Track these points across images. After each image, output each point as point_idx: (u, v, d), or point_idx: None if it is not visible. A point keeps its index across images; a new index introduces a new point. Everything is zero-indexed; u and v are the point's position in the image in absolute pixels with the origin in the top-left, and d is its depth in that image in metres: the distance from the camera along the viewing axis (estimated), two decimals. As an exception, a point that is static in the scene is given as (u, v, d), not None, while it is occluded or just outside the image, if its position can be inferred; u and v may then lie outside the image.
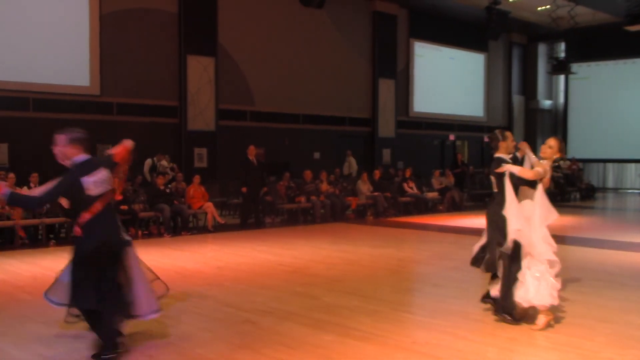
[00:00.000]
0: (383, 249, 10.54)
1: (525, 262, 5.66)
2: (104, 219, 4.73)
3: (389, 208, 16.08)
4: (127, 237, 4.98)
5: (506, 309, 5.74)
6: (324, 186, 15.19)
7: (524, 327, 5.62)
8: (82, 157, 4.79)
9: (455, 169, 20.14)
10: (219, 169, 16.51)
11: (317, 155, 19.18)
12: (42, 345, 5.20)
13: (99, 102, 15.00)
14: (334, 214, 14.91)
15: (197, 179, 13.26)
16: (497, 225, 5.77)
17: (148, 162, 14.81)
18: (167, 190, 12.70)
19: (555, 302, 5.62)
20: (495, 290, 5.89)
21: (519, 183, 5.71)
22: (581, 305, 6.44)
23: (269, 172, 16.06)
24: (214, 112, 16.74)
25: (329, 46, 19.54)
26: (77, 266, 4.74)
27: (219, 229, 12.94)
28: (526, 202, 5.72)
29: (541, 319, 5.59)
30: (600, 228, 13.75)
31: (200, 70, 16.40)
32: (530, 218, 5.64)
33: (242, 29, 17.40)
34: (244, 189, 13.61)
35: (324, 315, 6.07)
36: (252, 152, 13.89)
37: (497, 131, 6.10)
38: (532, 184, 5.70)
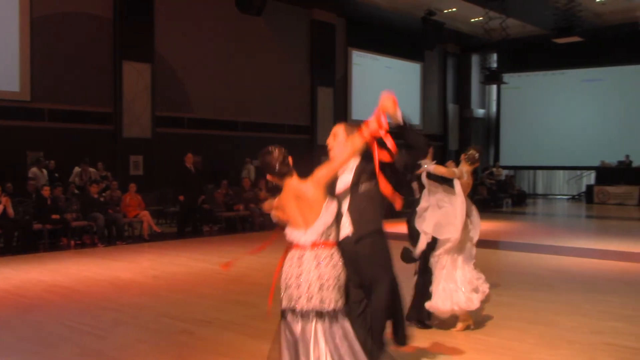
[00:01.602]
0: (322, 256, 10.56)
1: (441, 267, 5.72)
2: None
3: (328, 215, 16.14)
4: None
5: (418, 316, 5.84)
6: (263, 194, 15.13)
7: (460, 332, 5.74)
8: None
9: (392, 176, 20.43)
10: (156, 176, 16.21)
11: (256, 162, 19.08)
12: None
13: (29, 108, 14.48)
14: (272, 221, 14.83)
15: (132, 187, 13.00)
16: (413, 233, 5.94)
17: (76, 170, 14.43)
18: (101, 199, 12.40)
19: (473, 306, 5.67)
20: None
21: (436, 180, 5.77)
22: (513, 308, 6.63)
23: (207, 180, 15.90)
24: (150, 119, 16.44)
25: (268, 54, 19.53)
26: None
27: (155, 238, 12.70)
28: (443, 198, 5.79)
29: (459, 324, 5.73)
30: (531, 233, 14.20)
31: (136, 77, 16.09)
32: (449, 216, 5.71)
33: (179, 35, 17.19)
34: (181, 197, 13.42)
35: (263, 324, 6.03)
36: (189, 159, 13.73)
37: None
38: (448, 183, 5.74)
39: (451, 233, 5.62)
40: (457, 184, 5.69)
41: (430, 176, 5.76)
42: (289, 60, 20.25)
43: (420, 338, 5.60)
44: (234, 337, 5.59)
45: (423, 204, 5.88)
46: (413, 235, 5.98)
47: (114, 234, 12.27)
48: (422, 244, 5.78)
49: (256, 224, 14.59)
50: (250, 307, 6.77)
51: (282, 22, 19.94)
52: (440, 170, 5.70)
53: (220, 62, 18.20)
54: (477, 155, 5.93)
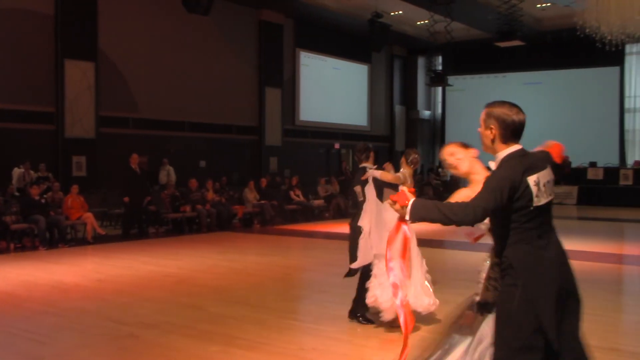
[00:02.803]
0: (270, 257, 10.56)
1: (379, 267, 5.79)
2: None
3: (276, 216, 16.14)
4: None
5: (359, 311, 5.99)
6: (210, 195, 15.01)
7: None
8: None
9: (340, 177, 20.56)
10: (100, 178, 15.86)
11: (203, 163, 18.90)
12: None
13: (-35, 107, 14.00)
14: (220, 222, 14.75)
15: (75, 188, 12.68)
16: (353, 236, 6.05)
17: (16, 171, 14.01)
18: (43, 201, 12.05)
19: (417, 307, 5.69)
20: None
21: (383, 186, 5.94)
22: (451, 305, 6.75)
23: (153, 181, 15.67)
24: (94, 118, 16.08)
25: (215, 54, 19.37)
26: None
27: (99, 240, 12.43)
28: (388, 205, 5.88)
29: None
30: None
31: (79, 75, 15.71)
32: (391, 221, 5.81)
33: (124, 34, 16.87)
34: (126, 199, 13.19)
35: (209, 326, 5.99)
36: (135, 160, 13.49)
37: (363, 144, 6.39)
38: (394, 188, 5.86)
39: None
40: (401, 189, 5.74)
41: (377, 182, 5.91)
42: (236, 60, 20.13)
43: (362, 336, 5.65)
44: (180, 340, 5.53)
45: (368, 206, 5.96)
46: (355, 236, 6.03)
47: (55, 237, 11.94)
48: (362, 247, 5.85)
49: (203, 225, 14.44)
50: (197, 309, 6.70)
51: (230, 22, 19.81)
52: (387, 177, 5.87)
53: (167, 61, 17.95)
54: (417, 157, 6.10)
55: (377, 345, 5.41)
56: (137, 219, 13.53)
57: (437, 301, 5.82)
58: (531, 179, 2.91)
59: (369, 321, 5.93)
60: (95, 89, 16.05)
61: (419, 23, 23.50)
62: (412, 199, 3.16)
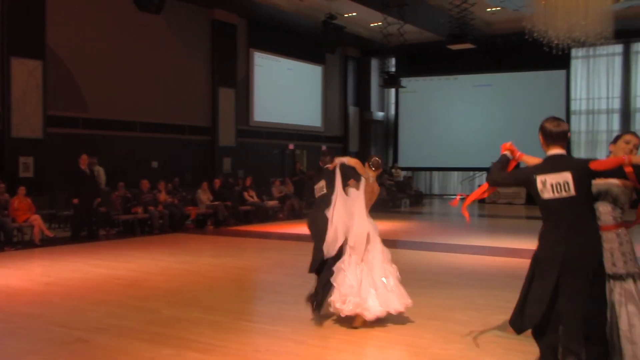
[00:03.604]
0: (224, 259, 10.48)
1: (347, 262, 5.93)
2: None
3: (230, 217, 16.03)
4: None
5: (318, 307, 6.10)
6: (162, 196, 14.81)
7: (362, 329, 5.85)
8: None
9: (294, 178, 20.57)
10: (48, 179, 15.46)
11: (155, 164, 18.63)
12: None
13: None
14: (172, 224, 14.57)
15: (22, 190, 12.35)
16: (319, 228, 6.17)
17: None
18: (-12, 203, 11.69)
19: (369, 312, 5.78)
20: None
21: (349, 175, 6.13)
22: (412, 305, 6.84)
23: (103, 182, 15.36)
24: (41, 118, 15.65)
25: (167, 53, 19.11)
26: None
27: (47, 243, 12.13)
28: (353, 192, 6.12)
29: (358, 320, 5.87)
30: (427, 232, 14.71)
31: (25, 74, 15.27)
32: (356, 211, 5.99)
33: (73, 32, 16.49)
34: (75, 200, 12.91)
35: (162, 329, 5.91)
36: (84, 161, 13.23)
37: (327, 149, 6.62)
38: (358, 179, 6.08)
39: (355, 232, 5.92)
40: (362, 182, 6.00)
41: (344, 170, 6.12)
42: (189, 60, 19.91)
43: (317, 337, 5.67)
44: (131, 344, 5.44)
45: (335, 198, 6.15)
46: (320, 228, 6.19)
47: (2, 240, 11.61)
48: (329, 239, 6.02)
49: (155, 227, 14.24)
50: (149, 312, 6.61)
51: (183, 21, 19.59)
52: (352, 162, 6.08)
53: (118, 60, 17.63)
54: (380, 161, 6.19)
55: (333, 346, 5.43)
56: (86, 221, 13.26)
57: (410, 302, 5.94)
58: (539, 178, 3.85)
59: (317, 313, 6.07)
60: (43, 88, 15.63)
61: (372, 25, 23.69)
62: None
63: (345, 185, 6.22)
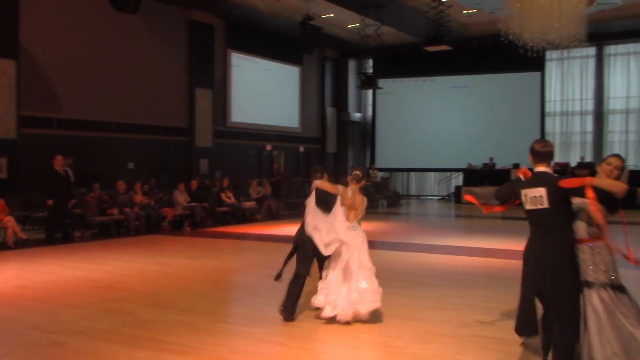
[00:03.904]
0: (200, 260, 10.43)
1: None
2: None
3: (207, 218, 15.96)
4: None
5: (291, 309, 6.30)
6: (139, 197, 14.70)
7: (339, 330, 5.88)
8: None
9: (271, 179, 20.53)
10: (21, 180, 15.24)
11: (131, 165, 18.47)
12: None
13: None
14: (149, 225, 14.47)
15: (-5, 191, 12.18)
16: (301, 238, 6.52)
17: None
18: (-41, 204, 11.51)
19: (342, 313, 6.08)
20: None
21: (324, 196, 6.41)
22: (388, 305, 6.87)
23: (78, 184, 15.18)
24: (15, 118, 15.41)
25: (144, 53, 18.97)
26: None
27: (21, 245, 11.96)
28: (336, 208, 6.38)
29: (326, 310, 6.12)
30: (404, 233, 14.79)
31: (-2, 73, 15.07)
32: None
33: (48, 31, 16.28)
34: (50, 202, 12.75)
35: (138, 331, 5.87)
36: (59, 162, 13.07)
37: (319, 166, 6.89)
38: (333, 198, 6.39)
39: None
40: (338, 199, 6.31)
41: (318, 191, 6.39)
42: (166, 60, 19.78)
43: (294, 338, 5.68)
44: (106, 346, 5.39)
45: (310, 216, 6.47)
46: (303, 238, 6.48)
47: (-27, 242, 11.43)
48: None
49: (131, 228, 14.13)
50: (124, 314, 6.56)
51: (159, 22, 19.46)
52: (324, 185, 6.36)
53: (94, 60, 17.45)
54: (359, 174, 6.47)
55: (310, 347, 5.44)
56: (61, 223, 13.11)
57: (377, 305, 6.14)
58: (523, 191, 4.49)
59: (290, 319, 6.22)
60: (17, 88, 15.40)
61: (350, 26, 23.75)
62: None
63: (321, 207, 6.43)
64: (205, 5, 20.32)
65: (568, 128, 26.12)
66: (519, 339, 5.48)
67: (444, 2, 19.83)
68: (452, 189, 26.72)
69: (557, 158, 25.36)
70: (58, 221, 13.07)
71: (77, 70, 17.01)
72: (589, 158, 24.81)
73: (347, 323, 6.00)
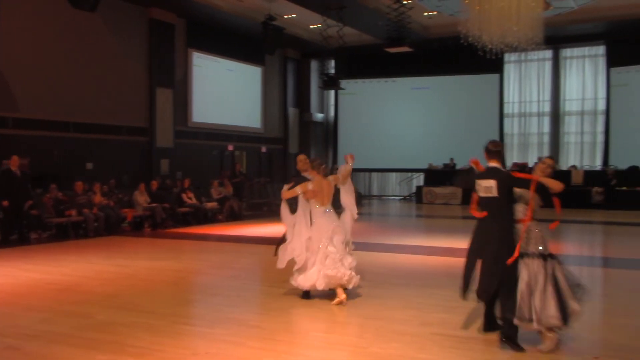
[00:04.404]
0: (161, 261, 10.31)
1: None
2: None
3: (167, 219, 15.78)
4: None
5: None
6: (98, 198, 14.45)
7: (301, 330, 5.88)
8: None
9: (233, 179, 20.42)
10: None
11: (89, 165, 18.14)
12: None
13: None
14: (108, 227, 14.24)
15: (-53, 192, 11.83)
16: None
17: None
18: None
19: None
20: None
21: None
22: (352, 305, 6.90)
23: (35, 184, 14.85)
24: (-32, 117, 15.03)
25: (103, 52, 18.64)
26: None
27: (-25, 247, 11.65)
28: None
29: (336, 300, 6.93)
30: (366, 233, 14.85)
31: (-50, 71, 14.64)
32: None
33: (3, 28, 15.88)
34: (5, 203, 12.46)
35: (97, 334, 5.76)
36: (15, 162, 12.77)
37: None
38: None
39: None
40: (300, 196, 7.28)
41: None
42: (126, 59, 19.49)
43: (256, 339, 5.66)
44: (64, 350, 5.28)
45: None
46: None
47: None
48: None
49: (90, 230, 13.88)
50: (83, 317, 6.43)
51: (119, 20, 19.16)
52: (286, 195, 7.31)
53: (51, 58, 17.09)
54: (316, 160, 7.45)
55: (272, 347, 5.42)
56: (17, 224, 12.82)
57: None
58: (478, 181, 5.55)
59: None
60: (-30, 86, 15.01)
61: (312, 27, 23.78)
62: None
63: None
64: (166, 4, 20.10)
65: (526, 129, 26.63)
66: (479, 337, 5.57)
67: (405, 4, 20.01)
68: (414, 189, 26.99)
69: (515, 158, 25.85)
70: (14, 222, 12.78)
71: (34, 69, 16.63)
72: (546, 159, 25.32)
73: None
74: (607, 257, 11.70)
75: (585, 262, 10.79)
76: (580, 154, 25.89)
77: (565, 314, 5.17)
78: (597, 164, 25.03)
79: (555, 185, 5.32)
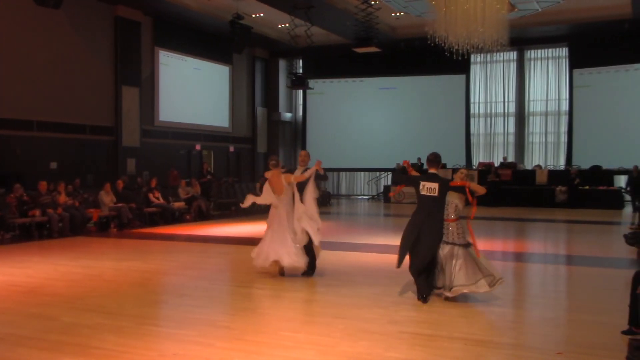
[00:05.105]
0: (128, 262, 10.19)
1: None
2: None
3: (134, 219, 15.60)
4: None
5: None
6: (62, 198, 14.22)
7: (270, 330, 5.88)
8: None
9: (201, 179, 20.28)
10: None
11: (53, 165, 17.84)
12: None
13: None
14: (73, 227, 14.02)
15: None
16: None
17: None
18: None
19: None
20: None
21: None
22: (319, 304, 6.93)
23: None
24: None
25: (68, 49, 18.35)
26: None
27: None
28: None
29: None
30: (335, 232, 14.90)
31: None
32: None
33: (-38, 24, 15.54)
34: (-34, 203, 12.18)
35: (62, 337, 5.68)
36: (-24, 161, 12.49)
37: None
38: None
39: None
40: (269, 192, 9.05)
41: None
42: (91, 57, 19.22)
43: (224, 339, 5.64)
44: (29, 353, 5.20)
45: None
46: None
47: None
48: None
49: (54, 230, 13.64)
50: (48, 319, 6.33)
51: (84, 18, 18.89)
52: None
53: (14, 56, 16.76)
54: (271, 160, 9.16)
55: (241, 348, 5.41)
56: (-22, 225, 12.53)
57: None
58: (421, 182, 7.14)
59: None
60: None
61: (280, 26, 23.75)
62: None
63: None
64: (132, 1, 19.88)
65: (492, 129, 27.01)
66: (447, 335, 5.64)
67: (372, 4, 20.12)
68: (382, 189, 27.15)
69: (481, 158, 26.21)
70: (-25, 224, 12.50)
71: (-4, 66, 16.30)
72: (511, 158, 25.74)
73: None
74: (571, 255, 11.93)
75: (550, 259, 11.00)
76: (545, 154, 26.37)
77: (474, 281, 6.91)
78: (561, 164, 25.52)
79: (480, 190, 7.12)
